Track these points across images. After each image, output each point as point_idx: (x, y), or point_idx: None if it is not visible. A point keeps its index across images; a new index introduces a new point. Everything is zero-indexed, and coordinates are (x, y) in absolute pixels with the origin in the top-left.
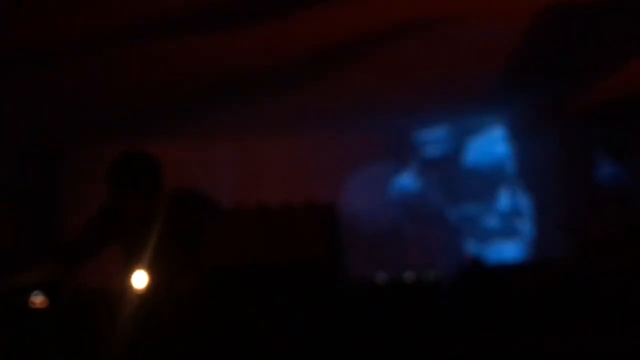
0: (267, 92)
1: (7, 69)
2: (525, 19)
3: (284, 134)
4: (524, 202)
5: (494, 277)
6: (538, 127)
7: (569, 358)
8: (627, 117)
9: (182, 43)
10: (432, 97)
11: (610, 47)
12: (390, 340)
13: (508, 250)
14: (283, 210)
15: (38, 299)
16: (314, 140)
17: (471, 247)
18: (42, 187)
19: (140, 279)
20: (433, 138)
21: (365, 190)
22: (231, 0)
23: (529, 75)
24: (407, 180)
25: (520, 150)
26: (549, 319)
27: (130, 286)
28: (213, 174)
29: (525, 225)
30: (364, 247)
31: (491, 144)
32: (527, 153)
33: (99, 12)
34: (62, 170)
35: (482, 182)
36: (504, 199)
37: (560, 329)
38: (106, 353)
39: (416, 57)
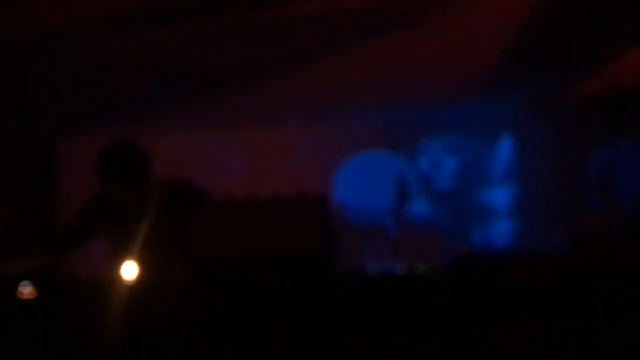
0: (261, 84)
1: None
2: (521, 9)
3: (278, 125)
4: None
5: (486, 270)
6: (532, 119)
7: (562, 350)
8: (622, 109)
9: (175, 33)
10: (426, 87)
11: (606, 38)
12: (381, 332)
13: (500, 242)
14: (274, 201)
15: (26, 290)
16: (306, 131)
17: (464, 239)
18: (36, 178)
19: (129, 270)
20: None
21: (357, 181)
22: None
23: (523, 67)
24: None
25: (514, 142)
26: (542, 311)
27: (119, 277)
28: (207, 164)
29: (518, 218)
30: (355, 239)
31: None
32: (521, 145)
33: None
34: (57, 161)
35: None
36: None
37: (554, 322)
38: (96, 344)
39: (410, 47)
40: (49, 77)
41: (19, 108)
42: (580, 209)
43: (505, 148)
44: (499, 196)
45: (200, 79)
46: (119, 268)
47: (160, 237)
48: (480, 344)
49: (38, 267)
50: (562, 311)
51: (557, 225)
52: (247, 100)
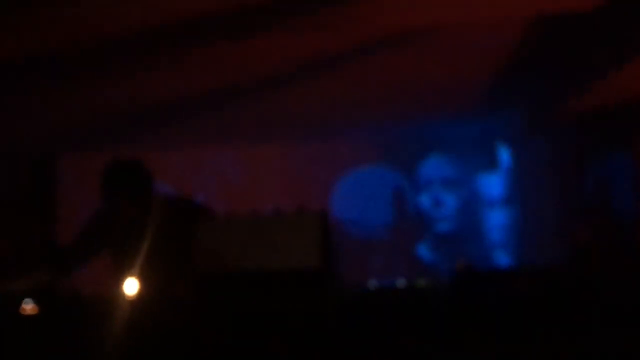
0: (260, 100)
1: (4, 77)
2: (515, 28)
3: (278, 141)
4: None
5: (485, 284)
6: (528, 134)
7: None
8: (616, 123)
9: (175, 53)
10: (423, 104)
11: (599, 55)
12: (382, 348)
13: (500, 257)
14: (275, 216)
15: (29, 306)
16: (308, 147)
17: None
18: (38, 195)
19: (131, 286)
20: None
21: (357, 196)
22: (223, 11)
23: (518, 84)
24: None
25: (510, 157)
26: (540, 325)
27: (122, 293)
28: (207, 181)
29: (517, 232)
30: (356, 254)
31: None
32: (518, 160)
33: (95, 23)
34: (58, 177)
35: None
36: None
37: (551, 335)
38: None
39: (406, 65)
40: (52, 95)
41: (23, 125)
42: (576, 222)
43: (502, 164)
44: (498, 217)
45: (202, 97)
46: (122, 284)
47: (162, 253)
48: (481, 356)
49: (40, 284)
50: (559, 322)
51: (554, 239)
52: (248, 117)
